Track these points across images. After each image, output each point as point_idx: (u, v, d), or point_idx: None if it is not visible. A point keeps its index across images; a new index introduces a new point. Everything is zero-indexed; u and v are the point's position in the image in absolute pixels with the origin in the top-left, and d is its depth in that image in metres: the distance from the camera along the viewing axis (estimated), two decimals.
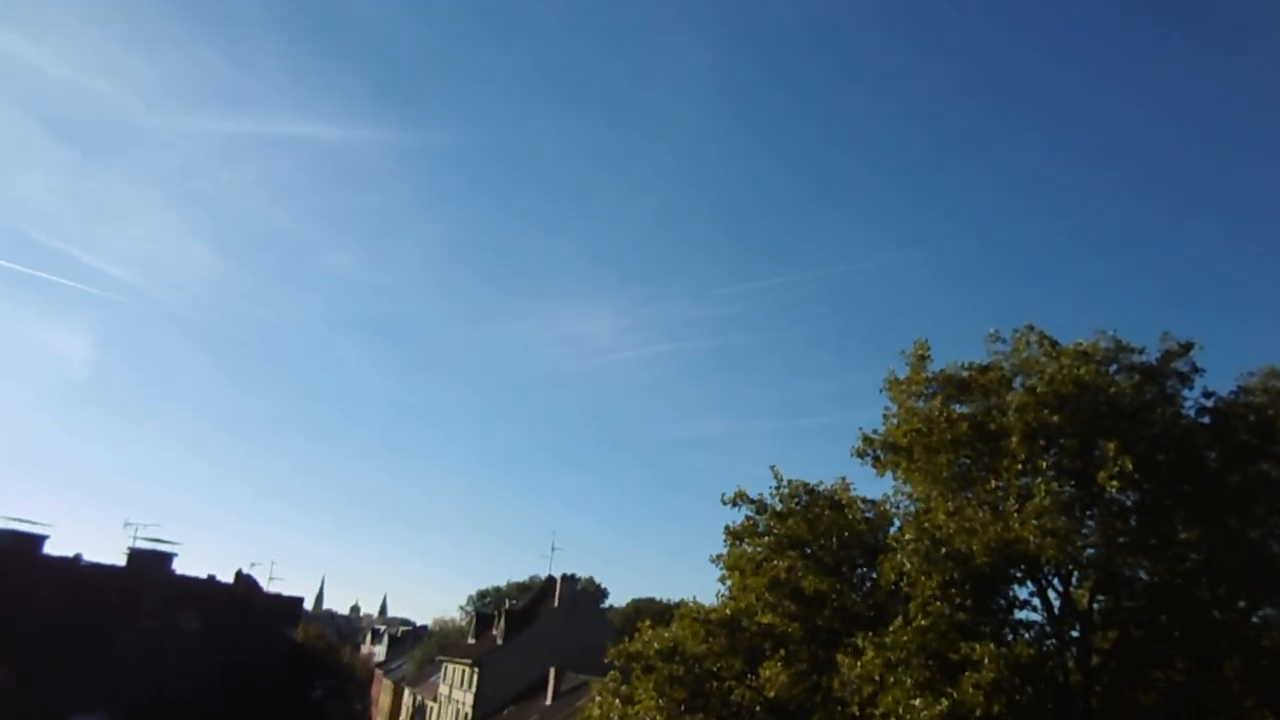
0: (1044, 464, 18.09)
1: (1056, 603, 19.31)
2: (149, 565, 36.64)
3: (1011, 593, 19.20)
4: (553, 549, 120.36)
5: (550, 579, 68.64)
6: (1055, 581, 19.27)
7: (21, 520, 32.64)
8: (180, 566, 38.48)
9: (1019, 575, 18.91)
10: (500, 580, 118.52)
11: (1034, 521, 16.96)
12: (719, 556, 22.83)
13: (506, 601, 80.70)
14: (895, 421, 21.18)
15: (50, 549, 33.29)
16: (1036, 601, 19.34)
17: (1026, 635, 18.74)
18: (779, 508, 22.11)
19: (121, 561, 36.40)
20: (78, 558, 36.06)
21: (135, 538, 37.52)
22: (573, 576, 66.65)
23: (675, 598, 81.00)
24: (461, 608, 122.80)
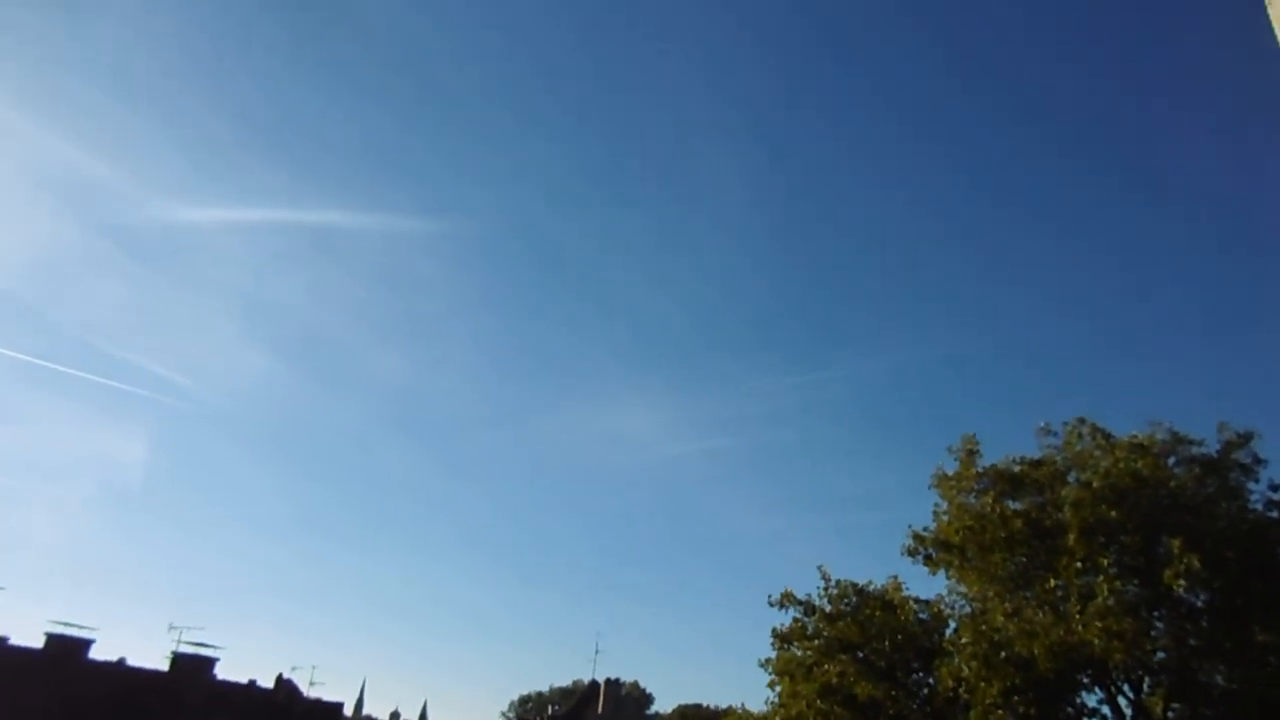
0: (1105, 562, 17.40)
1: (1128, 711, 18.24)
2: (192, 669, 36.46)
3: (1079, 700, 18.25)
4: (596, 651, 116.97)
5: (594, 683, 66.83)
6: (1125, 688, 18.26)
7: (69, 625, 32.87)
8: (222, 670, 38.25)
9: (1086, 681, 17.98)
10: (543, 684, 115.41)
11: (1098, 623, 16.21)
12: (767, 661, 22.10)
13: (549, 707, 78.41)
14: (946, 518, 20.63)
15: (96, 652, 33.39)
16: (1106, 710, 18.33)
17: None
18: (828, 609, 21.45)
19: (165, 665, 36.30)
20: (122, 661, 36.06)
21: (179, 641, 37.51)
22: (617, 681, 64.88)
23: (723, 703, 78.11)
24: (503, 714, 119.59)
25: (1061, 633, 16.54)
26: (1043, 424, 20.66)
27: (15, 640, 31.89)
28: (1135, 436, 18.86)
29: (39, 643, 32.04)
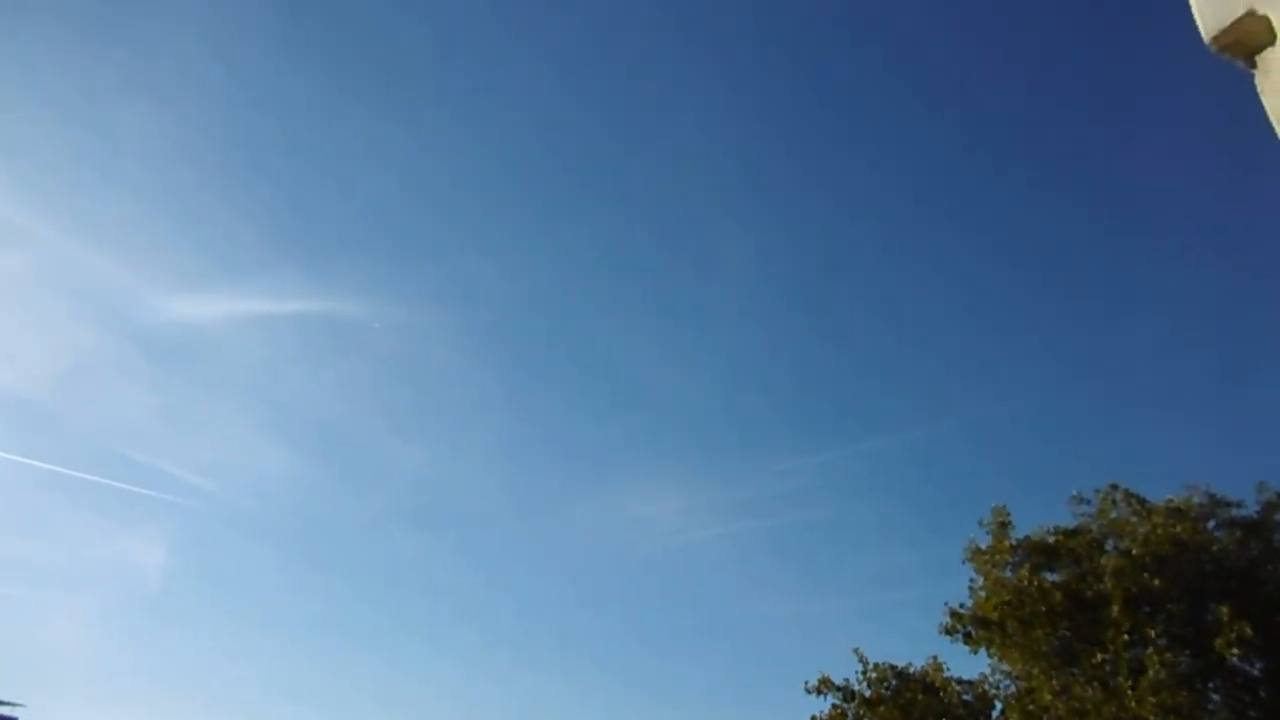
0: (1153, 632, 16.86)
1: None
2: None
3: None
4: None
5: None
6: None
7: None
8: None
9: None
10: None
11: (1152, 698, 15.60)
12: None
13: None
14: (983, 594, 20.10)
15: None
16: None
17: None
18: (868, 694, 20.74)
19: None
20: None
21: None
22: None
23: None
24: None
25: (1114, 709, 15.93)
26: (1075, 493, 20.34)
27: None
28: (1171, 501, 18.51)
29: None
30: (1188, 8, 3.35)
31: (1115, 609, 17.25)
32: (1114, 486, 19.74)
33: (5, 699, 29.02)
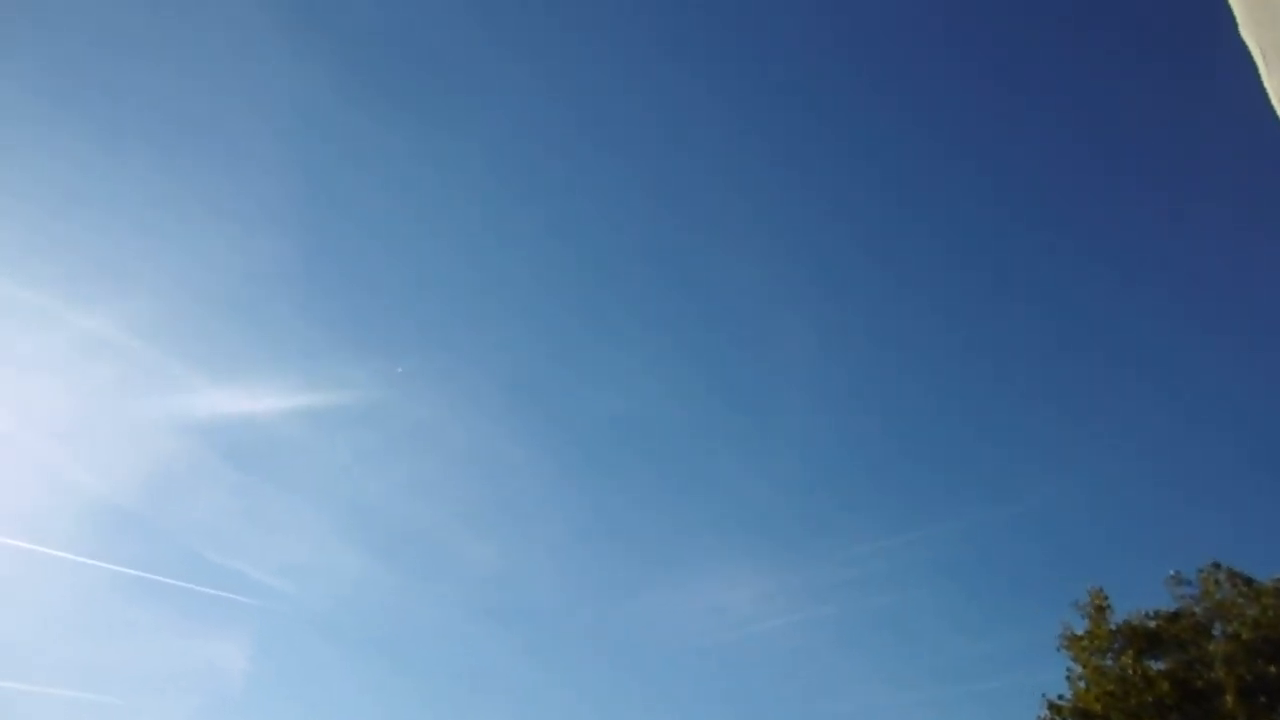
0: None
1: None
2: None
3: None
4: None
5: None
6: None
7: None
8: None
9: None
10: None
11: None
12: None
13: None
14: (1083, 684, 19.11)
15: None
16: None
17: None
18: None
19: None
20: None
21: None
22: None
23: None
24: None
25: None
26: (1173, 573, 19.34)
27: None
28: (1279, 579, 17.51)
29: None
30: None
31: (1229, 699, 16.26)
32: (1216, 565, 18.76)
33: None
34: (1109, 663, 18.81)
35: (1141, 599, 19.61)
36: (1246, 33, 1.97)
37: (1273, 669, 16.05)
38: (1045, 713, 19.68)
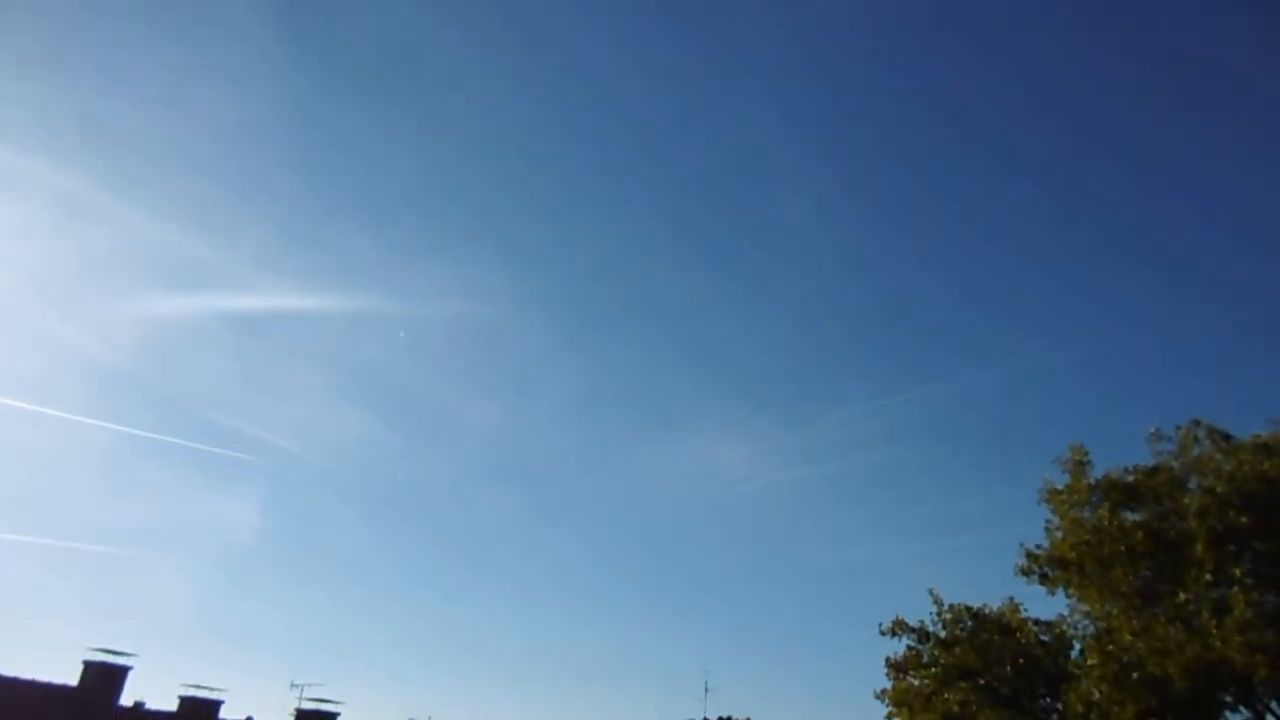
0: (1238, 572, 16.45)
1: None
2: None
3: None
4: (706, 690, 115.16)
5: None
6: (1274, 705, 17.14)
7: (200, 687, 34.17)
8: None
9: (1229, 700, 16.95)
10: None
11: (1238, 637, 15.30)
12: (883, 692, 21.50)
13: None
14: (1060, 534, 19.82)
15: (226, 712, 34.57)
16: None
17: None
18: (943, 635, 20.81)
19: None
20: None
21: (302, 698, 38.58)
22: (729, 719, 63.75)
23: None
24: None
25: (1198, 649, 15.67)
26: (1154, 429, 19.74)
27: (151, 704, 33.40)
28: (1259, 437, 17.85)
29: (173, 705, 33.43)
30: None
31: (1199, 548, 16.86)
32: (1196, 423, 19.11)
33: (119, 649, 30.94)
34: (1086, 515, 19.44)
35: (1124, 458, 20.11)
36: None
37: (1244, 520, 16.55)
38: (1023, 561, 20.54)
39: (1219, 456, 18.21)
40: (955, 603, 21.26)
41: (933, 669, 20.70)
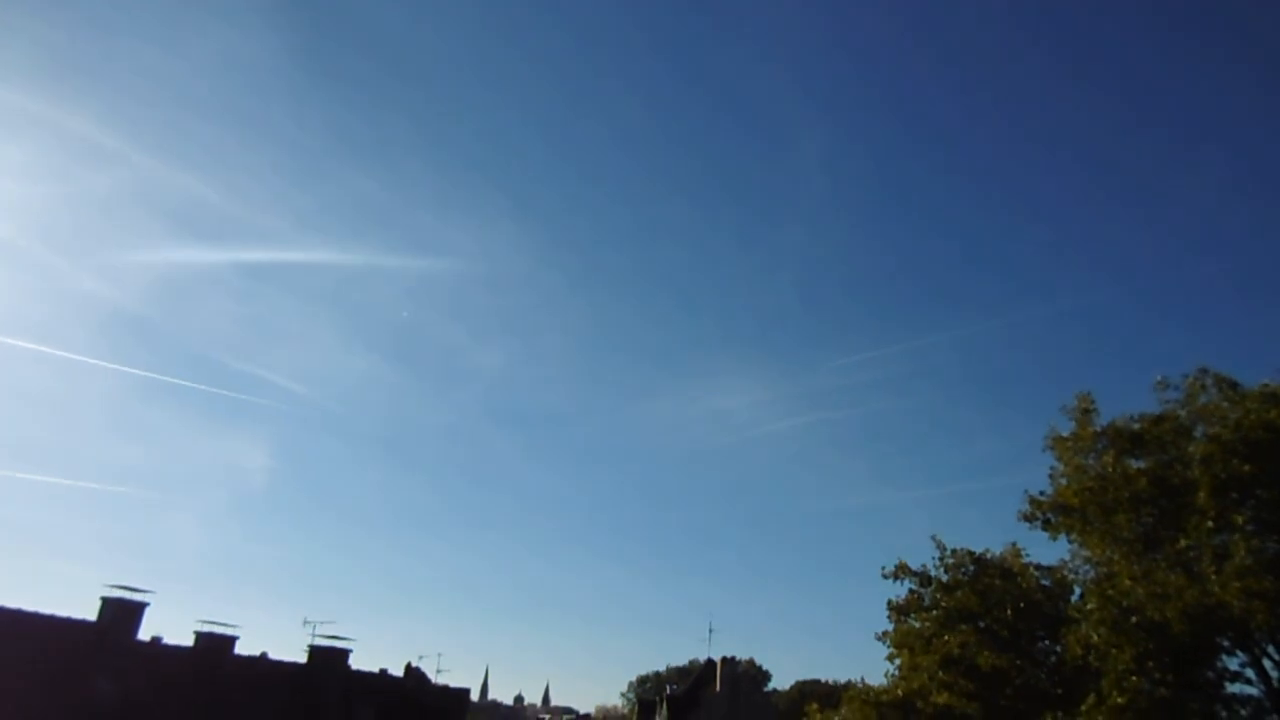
0: (1240, 519, 16.54)
1: (1275, 674, 17.34)
2: (327, 661, 38.37)
3: (1220, 664, 17.43)
4: (710, 631, 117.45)
5: (710, 662, 67.24)
6: (1270, 649, 17.36)
7: (215, 623, 34.98)
8: (355, 661, 40.08)
9: (1226, 645, 17.16)
10: (660, 665, 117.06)
11: (1236, 583, 15.43)
12: (885, 634, 21.84)
13: (667, 687, 79.46)
14: (1064, 481, 19.93)
15: (240, 648, 35.45)
16: (1250, 673, 17.44)
17: (1243, 712, 16.90)
18: (945, 579, 21.04)
19: (302, 658, 38.29)
20: (264, 656, 38.21)
21: (314, 635, 39.48)
22: (733, 659, 65.03)
23: (842, 678, 77.78)
24: (623, 695, 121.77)
25: (1196, 594, 15.83)
26: (1160, 378, 19.69)
27: (168, 639, 34.27)
28: (1266, 385, 17.76)
29: (189, 640, 34.28)
30: None
31: (1202, 495, 16.91)
32: (1204, 371, 19.06)
33: (136, 586, 31.61)
34: (1090, 461, 19.51)
35: (1130, 407, 20.10)
36: None
37: (1248, 468, 16.55)
38: (1027, 507, 20.68)
39: (1225, 405, 18.17)
40: (958, 548, 21.46)
41: (934, 612, 20.96)
